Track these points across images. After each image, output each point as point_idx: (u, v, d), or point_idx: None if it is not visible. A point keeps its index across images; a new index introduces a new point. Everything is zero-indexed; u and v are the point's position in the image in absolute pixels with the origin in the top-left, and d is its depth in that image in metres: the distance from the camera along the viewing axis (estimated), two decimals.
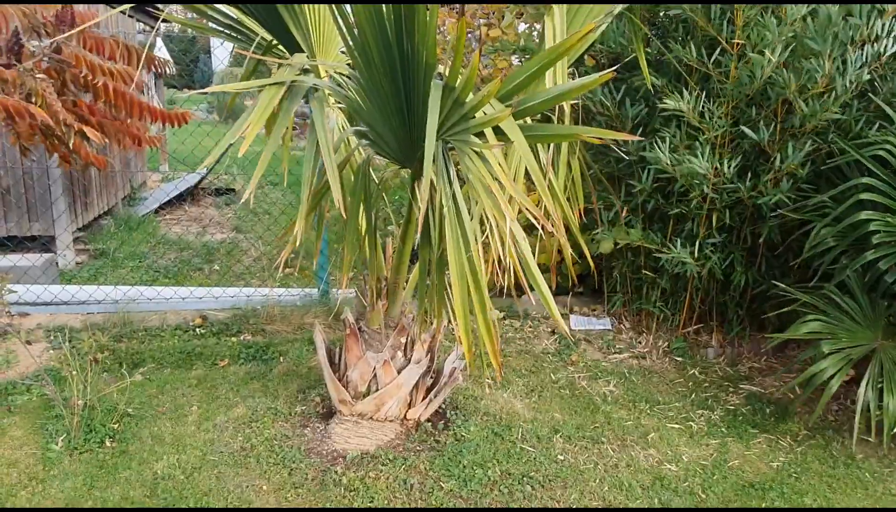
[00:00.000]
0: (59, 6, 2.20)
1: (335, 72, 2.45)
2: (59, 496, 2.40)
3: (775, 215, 3.24)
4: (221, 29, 2.82)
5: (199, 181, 7.34)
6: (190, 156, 7.83)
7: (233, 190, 7.75)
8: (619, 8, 2.55)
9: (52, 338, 3.61)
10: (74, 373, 2.72)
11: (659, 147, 3.23)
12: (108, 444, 2.71)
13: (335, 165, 1.91)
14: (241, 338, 3.81)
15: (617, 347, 3.98)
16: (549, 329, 4.18)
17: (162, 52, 10.63)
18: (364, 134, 2.16)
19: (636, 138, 1.66)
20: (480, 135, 1.72)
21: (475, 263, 2.01)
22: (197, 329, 3.83)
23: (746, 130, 3.14)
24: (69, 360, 2.77)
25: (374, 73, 1.95)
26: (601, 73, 1.49)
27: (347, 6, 1.81)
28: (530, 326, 4.22)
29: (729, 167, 3.19)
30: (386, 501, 2.46)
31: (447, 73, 1.65)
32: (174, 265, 5.28)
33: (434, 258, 2.13)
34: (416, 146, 2.10)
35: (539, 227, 1.67)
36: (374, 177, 2.41)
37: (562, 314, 4.43)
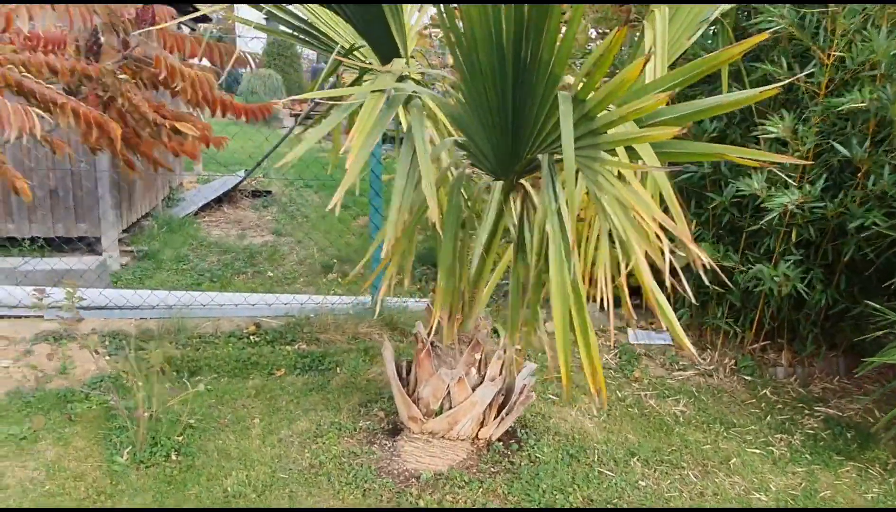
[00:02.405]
0: (139, 5, 2.12)
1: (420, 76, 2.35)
2: None
3: (866, 235, 3.07)
4: (292, 32, 2.73)
5: (239, 183, 7.30)
6: (231, 157, 7.82)
7: (269, 192, 7.70)
8: (717, 12, 2.42)
9: (106, 343, 3.55)
10: (140, 383, 2.64)
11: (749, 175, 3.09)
12: (173, 457, 2.63)
13: (433, 180, 1.81)
14: (296, 347, 3.72)
15: (680, 363, 3.84)
16: (609, 343, 4.04)
17: None
18: (462, 145, 2.05)
19: (807, 163, 1.52)
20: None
21: (578, 281, 1.89)
22: (251, 337, 3.75)
23: (839, 148, 2.98)
24: (134, 370, 2.69)
25: (478, 80, 1.84)
26: (766, 88, 1.36)
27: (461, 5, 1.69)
28: None
29: (815, 187, 3.04)
30: None
31: (578, 86, 1.52)
32: (217, 268, 5.21)
33: (531, 275, 2.01)
34: (516, 159, 1.99)
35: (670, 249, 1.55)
36: (464, 192, 2.30)
37: (619, 327, 4.30)
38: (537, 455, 2.77)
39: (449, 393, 2.68)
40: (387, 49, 2.16)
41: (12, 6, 1.74)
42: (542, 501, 2.48)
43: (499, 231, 2.38)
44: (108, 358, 3.40)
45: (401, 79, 1.97)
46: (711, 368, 3.79)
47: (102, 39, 2.17)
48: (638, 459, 2.83)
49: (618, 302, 4.60)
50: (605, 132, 1.56)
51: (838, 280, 3.47)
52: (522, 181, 2.14)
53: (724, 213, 3.47)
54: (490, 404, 2.75)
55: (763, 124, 3.06)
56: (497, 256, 2.64)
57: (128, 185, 5.48)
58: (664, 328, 4.26)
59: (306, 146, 1.83)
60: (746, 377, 3.68)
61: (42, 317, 3.63)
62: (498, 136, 1.97)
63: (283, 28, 2.82)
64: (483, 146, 2.04)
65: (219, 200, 7.31)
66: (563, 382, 2.03)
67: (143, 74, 2.32)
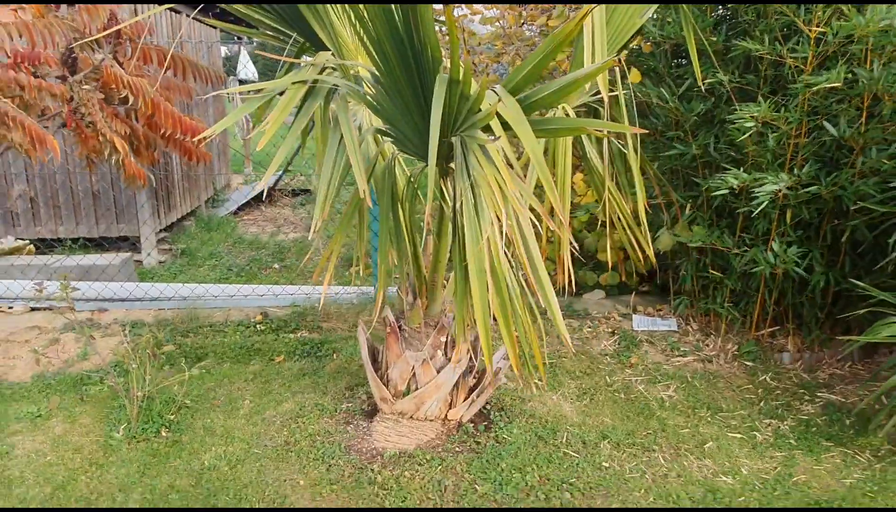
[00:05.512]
0: (105, 17, 2.30)
1: (361, 70, 2.45)
2: (113, 481, 2.55)
3: (859, 209, 2.93)
4: (271, 33, 2.89)
5: (276, 182, 7.63)
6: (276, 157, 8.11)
7: (308, 191, 8.00)
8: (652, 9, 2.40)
9: (125, 332, 3.85)
10: (135, 366, 2.88)
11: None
12: (163, 433, 2.85)
13: (360, 161, 1.91)
14: (299, 334, 3.91)
15: (681, 349, 3.77)
16: (610, 329, 4.01)
17: (247, 64, 11.10)
18: (386, 132, 2.14)
19: (643, 131, 1.52)
20: (489, 130, 1.66)
21: (495, 260, 1.94)
22: (257, 325, 3.97)
23: (828, 126, 2.87)
24: (130, 354, 2.93)
25: (391, 70, 1.93)
26: (605, 60, 1.38)
27: (361, 5, 1.79)
28: (589, 326, 4.07)
29: (805, 168, 2.94)
30: (418, 502, 2.43)
31: (447, 65, 1.59)
32: (247, 264, 5.50)
33: (455, 254, 2.08)
34: (438, 143, 2.06)
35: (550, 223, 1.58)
36: (406, 172, 2.39)
37: (624, 314, 4.25)
38: (504, 436, 2.82)
39: (415, 374, 2.77)
40: (323, 47, 2.27)
41: None
42: (499, 480, 2.54)
43: (445, 216, 2.45)
44: (124, 345, 3.68)
45: (328, 73, 2.08)
46: (713, 353, 3.70)
47: (76, 54, 2.38)
48: (609, 442, 2.82)
49: (623, 289, 4.53)
50: (479, 109, 1.61)
51: (842, 262, 3.31)
52: (452, 166, 2.20)
53: (718, 196, 3.38)
54: (459, 386, 2.82)
55: (740, 109, 2.98)
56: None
57: (167, 187, 5.86)
58: (671, 315, 4.20)
59: (212, 133, 1.98)
60: (748, 363, 3.58)
61: (73, 308, 3.98)
62: (419, 123, 2.04)
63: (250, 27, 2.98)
64: (409, 134, 2.12)
65: (260, 199, 7.68)
66: (486, 370, 2.08)
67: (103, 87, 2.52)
